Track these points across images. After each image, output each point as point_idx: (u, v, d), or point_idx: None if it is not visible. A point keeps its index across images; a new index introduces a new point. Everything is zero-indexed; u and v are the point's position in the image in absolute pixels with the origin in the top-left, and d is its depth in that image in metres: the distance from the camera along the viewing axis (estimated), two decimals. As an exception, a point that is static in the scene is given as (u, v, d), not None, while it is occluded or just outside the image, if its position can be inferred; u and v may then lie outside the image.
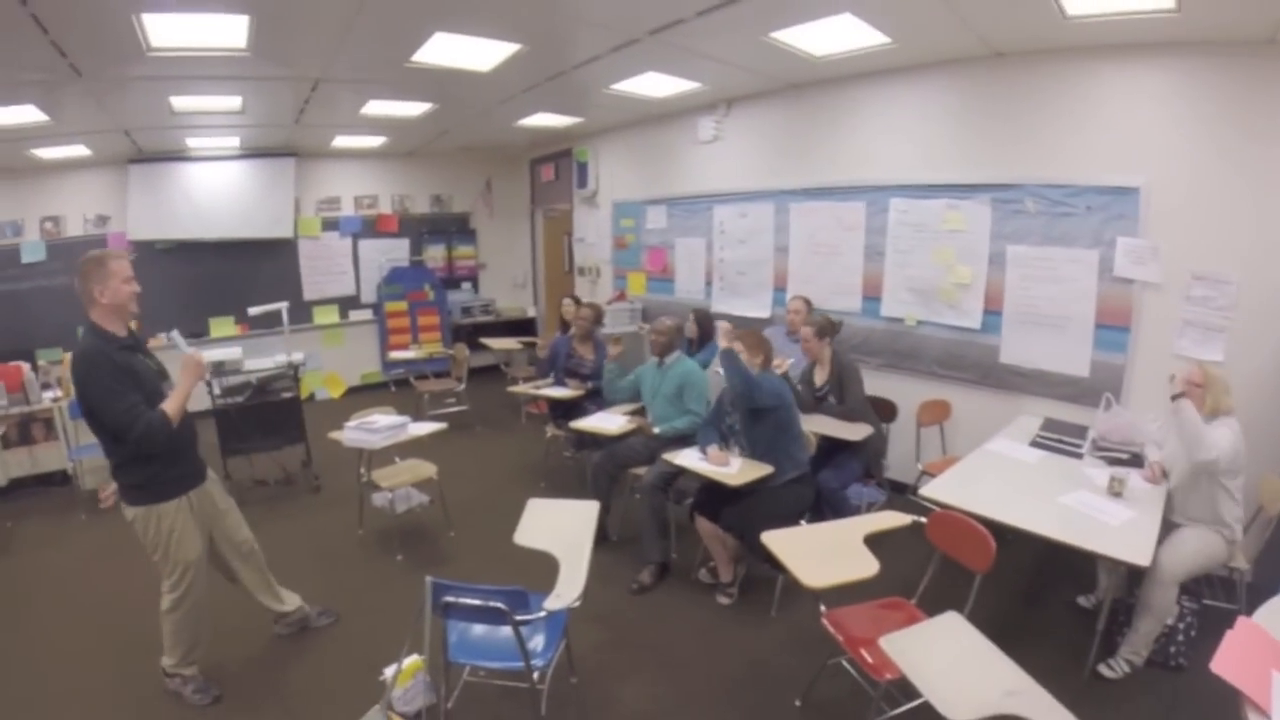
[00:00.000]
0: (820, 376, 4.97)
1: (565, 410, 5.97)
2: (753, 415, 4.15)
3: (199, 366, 3.36)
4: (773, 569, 4.03)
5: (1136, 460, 3.99)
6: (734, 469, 4.10)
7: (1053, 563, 4.41)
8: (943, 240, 5.31)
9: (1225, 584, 3.88)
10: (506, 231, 10.83)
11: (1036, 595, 4.27)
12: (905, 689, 2.85)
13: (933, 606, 3.04)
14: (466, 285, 10.66)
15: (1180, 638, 3.53)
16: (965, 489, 3.71)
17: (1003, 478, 3.94)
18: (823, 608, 3.20)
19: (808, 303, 5.90)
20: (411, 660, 3.16)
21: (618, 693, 3.55)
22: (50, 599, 4.74)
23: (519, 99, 6.65)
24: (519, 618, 2.57)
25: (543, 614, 2.64)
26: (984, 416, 5.10)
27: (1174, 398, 3.50)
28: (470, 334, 9.57)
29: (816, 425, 4.65)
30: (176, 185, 8.54)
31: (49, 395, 6.58)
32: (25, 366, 6.50)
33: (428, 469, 5.15)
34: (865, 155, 5.83)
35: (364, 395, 9.49)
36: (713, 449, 4.25)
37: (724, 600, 4.30)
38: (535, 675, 2.75)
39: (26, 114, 5.86)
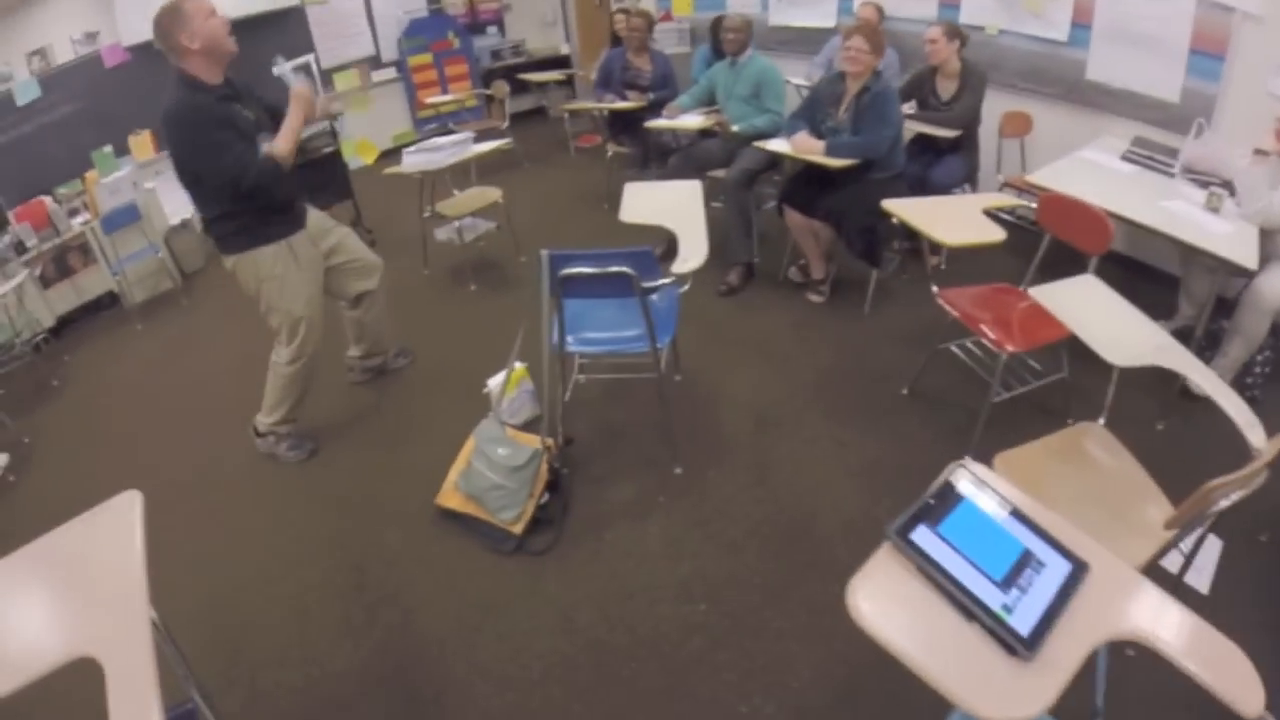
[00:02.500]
0: (947, 89, 4.46)
1: (625, 125, 5.66)
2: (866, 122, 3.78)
3: (309, 102, 3.09)
4: (867, 264, 3.95)
5: (1227, 188, 3.63)
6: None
7: (1128, 288, 4.16)
8: (1029, -56, 4.67)
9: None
10: (529, -33, 9.96)
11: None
12: (1019, 372, 2.98)
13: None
14: (492, 29, 9.89)
15: (1257, 370, 3.31)
16: (1070, 182, 3.45)
17: (1101, 181, 3.62)
18: (935, 288, 3.06)
19: (879, 10, 5.30)
20: (517, 369, 3.04)
21: (724, 386, 3.49)
22: (126, 408, 4.78)
23: None
24: (646, 284, 2.36)
25: (671, 280, 2.43)
26: (1066, 133, 4.67)
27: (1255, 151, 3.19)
28: (503, 78, 8.90)
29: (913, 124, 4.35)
30: None
31: (78, 220, 6.44)
32: (47, 199, 6.40)
33: (494, 193, 4.93)
34: None
35: (399, 157, 9.08)
36: (801, 135, 3.91)
37: (815, 298, 4.17)
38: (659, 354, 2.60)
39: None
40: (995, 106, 4.80)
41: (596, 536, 2.74)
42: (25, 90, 7.78)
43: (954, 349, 3.26)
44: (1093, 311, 2.43)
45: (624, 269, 2.34)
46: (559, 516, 2.77)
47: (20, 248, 6.17)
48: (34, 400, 5.50)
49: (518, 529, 2.69)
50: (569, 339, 2.69)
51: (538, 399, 3.23)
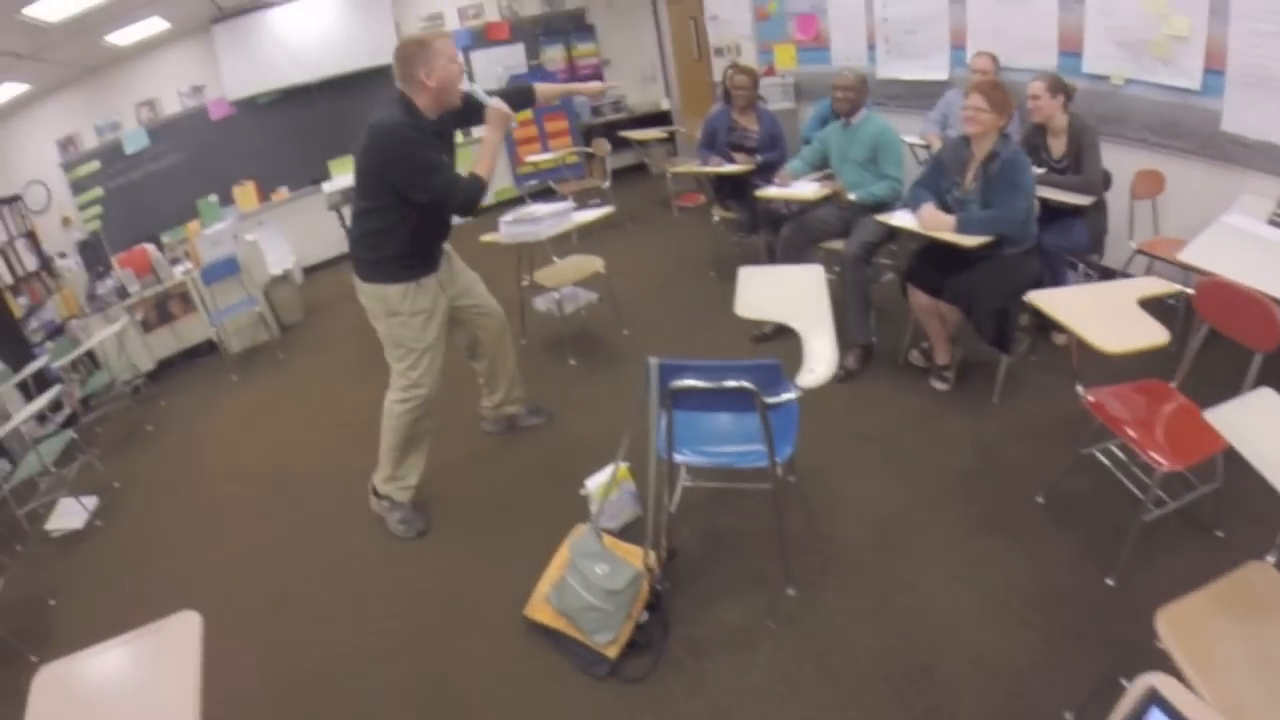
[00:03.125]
0: (1057, 147, 4.09)
1: (732, 189, 5.42)
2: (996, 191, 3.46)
3: (505, 117, 3.11)
4: (998, 349, 3.57)
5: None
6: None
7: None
8: (1152, -17, 4.29)
9: None
10: (628, 23, 9.93)
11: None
12: (1171, 487, 2.58)
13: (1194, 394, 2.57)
14: (592, 85, 9.96)
15: None
16: (1222, 259, 3.04)
17: (1255, 255, 3.16)
18: (1080, 388, 2.71)
19: (995, 60, 4.98)
20: (618, 468, 2.82)
21: (842, 490, 3.17)
22: (215, 463, 4.81)
23: None
24: (770, 400, 2.11)
25: (795, 395, 2.16)
26: (1202, 192, 4.21)
27: None
28: (603, 134, 8.88)
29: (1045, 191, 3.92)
30: (266, 34, 8.19)
31: (180, 270, 6.60)
32: (150, 247, 6.56)
33: (595, 263, 4.75)
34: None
35: (499, 213, 9.04)
36: (927, 208, 3.60)
37: (940, 385, 3.79)
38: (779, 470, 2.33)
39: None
40: (1125, 163, 4.39)
41: (698, 664, 2.46)
42: (134, 139, 8.22)
43: (1097, 454, 2.87)
44: (1274, 438, 2.08)
45: (744, 384, 2.09)
46: (658, 639, 2.50)
47: (123, 292, 6.38)
48: (127, 444, 5.60)
49: (612, 652, 2.44)
50: (679, 450, 2.44)
51: (640, 500, 3.02)
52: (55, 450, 4.70)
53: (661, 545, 2.61)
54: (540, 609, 2.61)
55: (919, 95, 5.95)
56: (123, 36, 7.12)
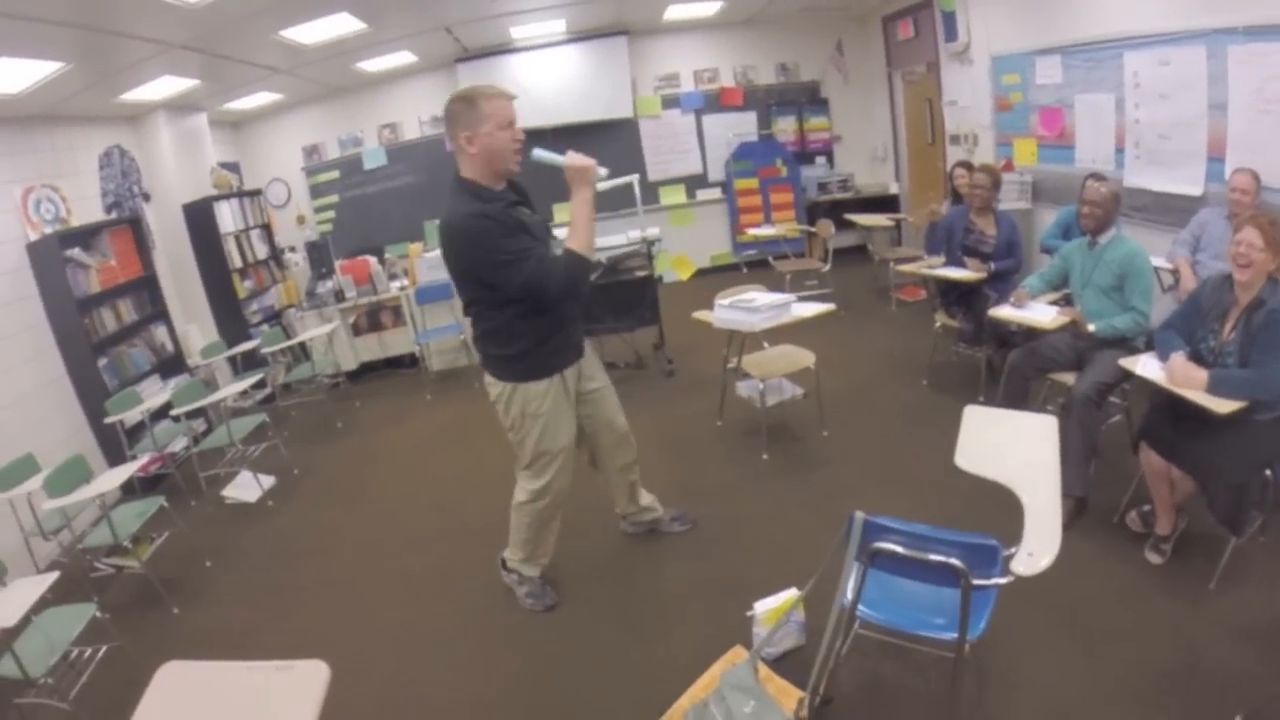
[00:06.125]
0: None
1: (960, 295, 5.16)
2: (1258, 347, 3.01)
3: (585, 168, 2.77)
4: (1228, 529, 3.03)
5: None
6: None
7: None
8: None
9: None
10: (861, 100, 9.77)
11: None
12: None
13: None
14: (821, 160, 9.83)
15: None
16: None
17: None
18: None
19: (1256, 178, 4.44)
20: (788, 595, 2.71)
21: (1022, 664, 2.79)
22: (391, 475, 5.02)
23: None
24: (977, 581, 1.89)
25: (1005, 580, 1.93)
26: None
27: None
28: (828, 212, 8.76)
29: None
30: (507, 76, 8.65)
31: (396, 285, 7.11)
32: (372, 260, 7.11)
33: (805, 357, 4.55)
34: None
35: (714, 277, 9.05)
36: (1178, 359, 3.16)
37: (1154, 558, 3.29)
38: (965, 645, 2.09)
39: (343, 23, 5.82)
40: None
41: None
42: (373, 156, 9.02)
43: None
44: None
45: (952, 561, 1.88)
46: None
47: (340, 296, 6.92)
48: (315, 436, 5.99)
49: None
50: (865, 605, 2.26)
51: (805, 630, 2.86)
52: (247, 428, 5.10)
53: (819, 692, 2.39)
54: (675, 724, 2.46)
55: (1167, 210, 5.44)
56: (373, 64, 7.78)
